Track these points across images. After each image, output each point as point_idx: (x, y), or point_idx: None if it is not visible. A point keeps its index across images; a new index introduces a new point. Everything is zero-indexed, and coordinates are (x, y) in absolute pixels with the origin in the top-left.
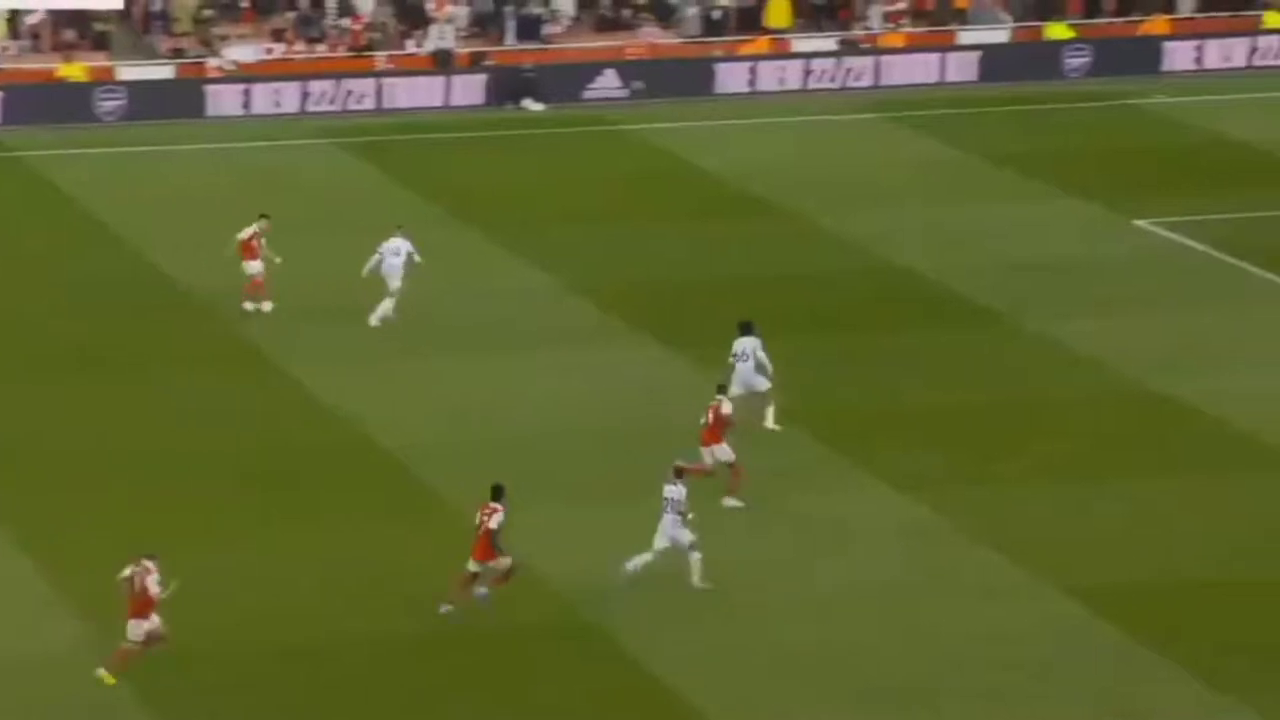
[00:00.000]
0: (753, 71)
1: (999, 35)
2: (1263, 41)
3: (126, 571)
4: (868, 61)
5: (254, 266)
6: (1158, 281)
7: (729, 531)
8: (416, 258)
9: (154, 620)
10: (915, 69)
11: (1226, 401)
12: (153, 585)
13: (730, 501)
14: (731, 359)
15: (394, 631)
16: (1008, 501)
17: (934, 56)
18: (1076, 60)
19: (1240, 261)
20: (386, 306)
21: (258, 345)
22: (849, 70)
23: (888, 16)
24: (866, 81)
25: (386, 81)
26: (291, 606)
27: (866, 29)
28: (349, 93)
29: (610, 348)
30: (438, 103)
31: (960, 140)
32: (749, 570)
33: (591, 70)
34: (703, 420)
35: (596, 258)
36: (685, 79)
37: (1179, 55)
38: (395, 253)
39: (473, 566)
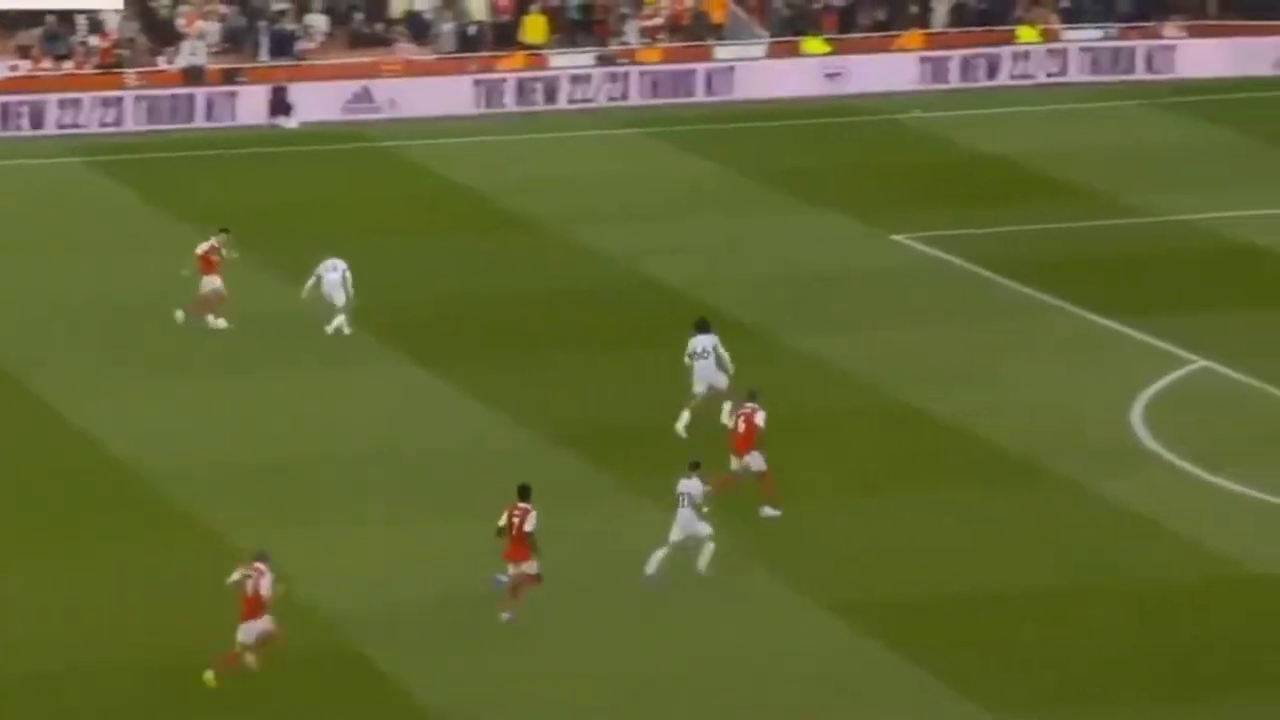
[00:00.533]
0: (510, 88)
1: (755, 50)
2: (1015, 57)
3: (237, 575)
4: (625, 76)
5: (212, 282)
6: (916, 296)
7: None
8: (349, 275)
9: (266, 621)
10: (672, 84)
11: (984, 415)
12: (265, 587)
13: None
14: (689, 359)
15: (143, 660)
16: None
17: (691, 71)
18: (833, 74)
19: (996, 275)
20: (340, 322)
21: (4, 368)
22: (606, 85)
23: (644, 31)
24: (625, 97)
25: (135, 98)
26: (37, 634)
27: (624, 44)
28: (97, 110)
29: (371, 368)
30: (190, 120)
31: (721, 155)
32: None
33: (346, 87)
34: (731, 427)
35: (355, 276)
36: (440, 95)
37: (933, 72)
38: (332, 269)
39: (512, 570)
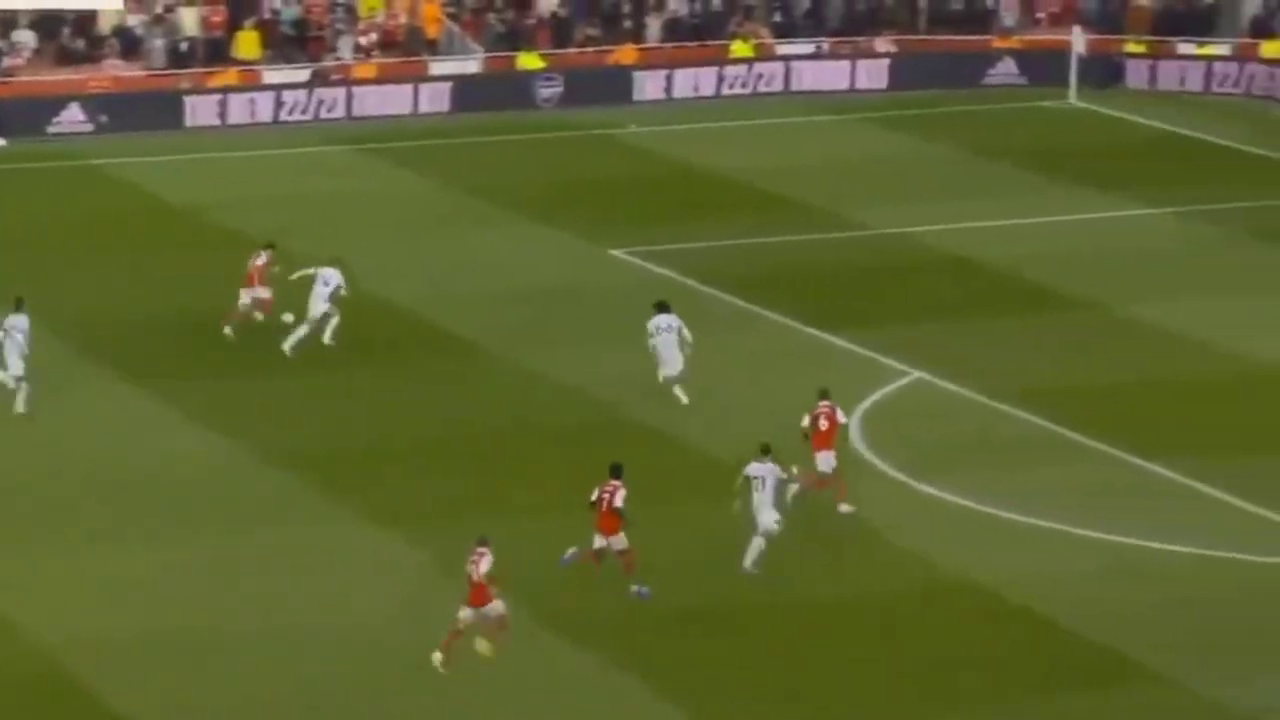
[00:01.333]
0: (223, 104)
1: (470, 66)
2: (730, 71)
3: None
4: (339, 93)
5: (252, 292)
6: (634, 311)
7: (216, 572)
8: (343, 291)
9: (498, 605)
10: (388, 100)
11: (704, 428)
12: (483, 566)
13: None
14: (651, 338)
15: None
16: (499, 536)
17: (406, 87)
18: (548, 90)
19: (713, 290)
20: (301, 333)
21: None
22: (321, 102)
23: (358, 47)
24: (339, 113)
25: None
26: None
27: (338, 59)
28: None
29: (82, 387)
30: None
31: (435, 171)
32: (240, 610)
33: (55, 104)
34: (806, 425)
35: (63, 295)
36: (152, 112)
37: (649, 85)
38: (325, 282)
39: (598, 542)
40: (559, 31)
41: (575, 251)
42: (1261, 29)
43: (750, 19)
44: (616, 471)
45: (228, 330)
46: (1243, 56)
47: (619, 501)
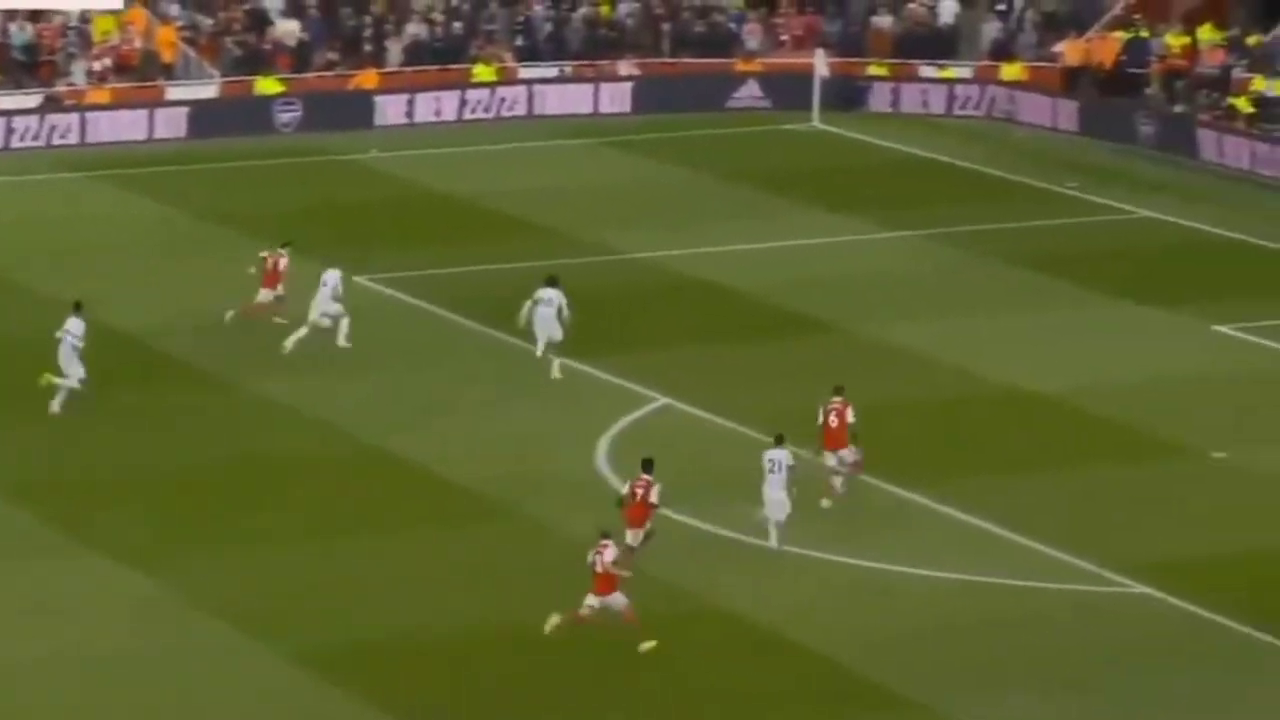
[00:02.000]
0: None
1: (208, 90)
2: (472, 95)
3: (591, 556)
4: (73, 118)
5: (271, 293)
6: (380, 338)
7: None
8: (340, 290)
9: (620, 597)
10: (123, 126)
11: (450, 456)
12: (608, 556)
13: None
14: (530, 304)
15: None
16: (238, 566)
17: (142, 113)
18: (288, 115)
19: (457, 316)
20: (302, 334)
21: None
22: (53, 128)
23: (92, 72)
24: (73, 139)
25: None
26: None
27: (71, 85)
28: None
29: None
30: None
31: (172, 198)
32: None
33: None
34: (820, 422)
35: None
36: None
37: (390, 109)
38: (324, 283)
39: (630, 539)
40: (298, 55)
41: (316, 279)
42: (1001, 51)
43: (492, 42)
44: (648, 466)
45: (229, 315)
46: (983, 79)
47: (654, 497)
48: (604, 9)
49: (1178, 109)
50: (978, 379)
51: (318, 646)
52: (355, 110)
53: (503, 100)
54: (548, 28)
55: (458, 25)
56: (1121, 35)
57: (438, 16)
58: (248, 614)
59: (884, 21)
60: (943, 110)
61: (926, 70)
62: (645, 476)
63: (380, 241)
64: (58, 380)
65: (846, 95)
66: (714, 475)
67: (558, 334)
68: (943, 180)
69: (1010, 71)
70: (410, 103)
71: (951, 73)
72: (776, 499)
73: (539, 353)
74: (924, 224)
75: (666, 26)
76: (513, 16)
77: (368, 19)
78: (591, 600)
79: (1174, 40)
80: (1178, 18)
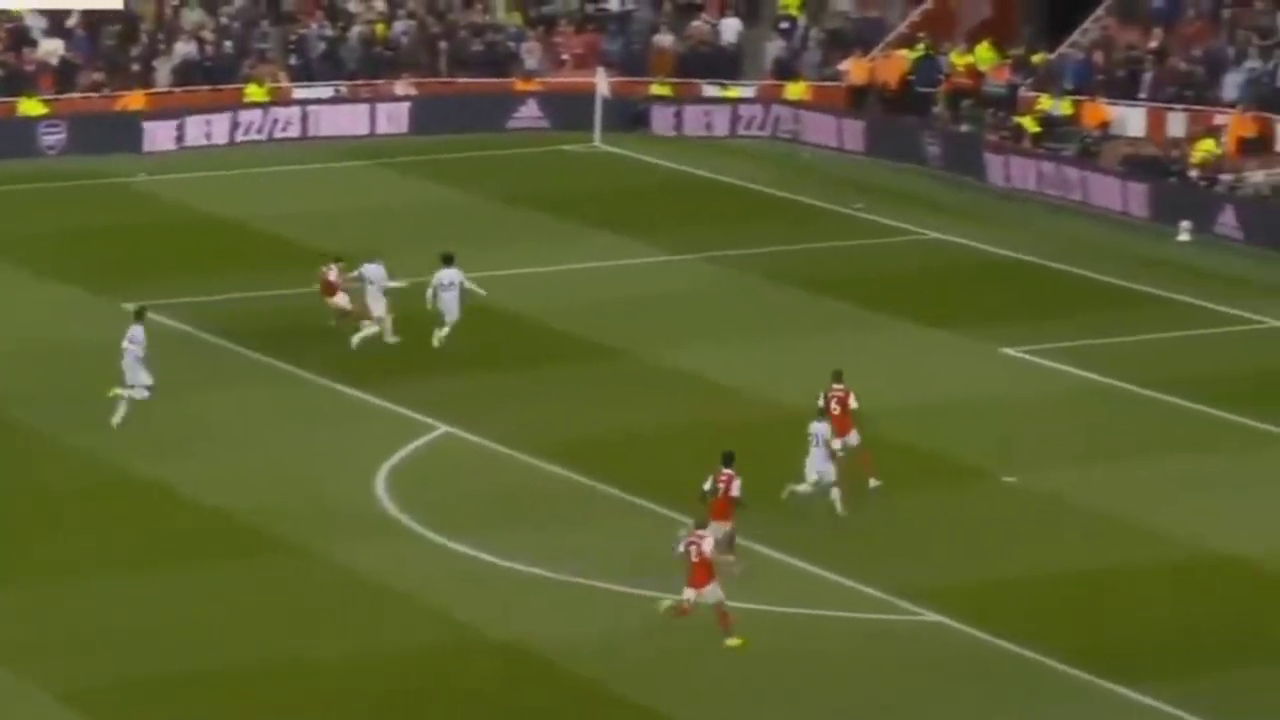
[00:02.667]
0: None
1: None
2: (245, 116)
3: (680, 548)
4: None
5: (340, 300)
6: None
7: None
8: (390, 282)
9: (714, 589)
10: None
11: (225, 486)
12: (706, 547)
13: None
14: (433, 291)
15: None
16: (8, 604)
17: None
18: (52, 138)
19: (232, 344)
20: (369, 331)
21: None
22: None
23: None
24: None
25: None
26: None
27: None
28: None
29: None
30: None
31: None
32: None
33: None
34: (820, 405)
35: None
36: None
37: (160, 133)
38: (370, 280)
39: (714, 533)
40: (62, 76)
41: (83, 306)
42: (785, 71)
43: (265, 62)
44: (729, 460)
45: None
46: (767, 99)
47: (735, 491)
48: (379, 28)
49: (964, 128)
50: (767, 403)
51: (88, 686)
52: (122, 132)
53: (276, 121)
54: (322, 46)
55: (229, 44)
56: (907, 54)
57: (208, 35)
58: (16, 652)
59: (666, 40)
60: (727, 131)
61: (710, 90)
62: (727, 471)
63: (149, 267)
64: (122, 391)
65: (629, 115)
66: (495, 504)
67: (456, 315)
68: (728, 202)
69: (795, 91)
70: (180, 125)
71: (735, 92)
72: (823, 470)
73: (441, 337)
74: (710, 246)
75: (444, 45)
76: (286, 35)
77: (137, 37)
78: (689, 594)
79: (959, 59)
80: (963, 36)
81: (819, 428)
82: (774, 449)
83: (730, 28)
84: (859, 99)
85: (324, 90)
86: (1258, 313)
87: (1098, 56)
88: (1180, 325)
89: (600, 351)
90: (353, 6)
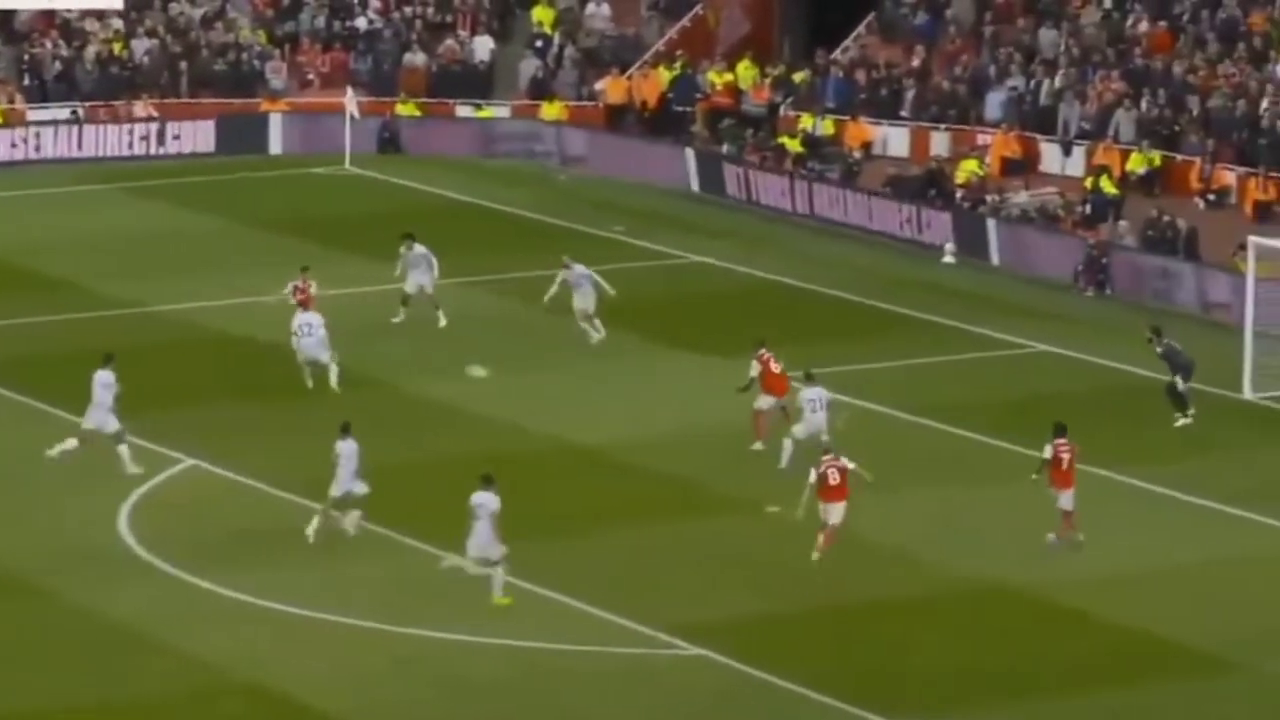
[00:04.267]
0: None
1: None
2: None
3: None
4: None
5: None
6: None
7: None
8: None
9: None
10: None
11: None
12: (846, 461)
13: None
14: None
15: None
16: None
17: None
18: None
19: None
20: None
21: None
22: None
23: None
24: None
25: None
26: None
27: None
28: None
29: None
30: None
31: None
32: None
33: None
34: (757, 375)
35: None
36: None
37: None
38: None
39: (1065, 503)
40: None
41: None
42: (540, 90)
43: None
44: (1062, 430)
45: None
46: (523, 118)
47: (1067, 460)
48: (117, 46)
49: (724, 148)
50: (522, 432)
51: None
52: None
53: (9, 144)
54: (57, 66)
55: None
56: (664, 72)
57: None
58: None
59: (417, 59)
60: (481, 151)
61: (463, 110)
62: (1063, 440)
63: None
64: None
65: (379, 137)
66: (243, 540)
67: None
68: (484, 226)
69: (551, 111)
70: None
71: (489, 113)
72: (819, 427)
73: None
74: (466, 272)
75: (184, 65)
76: (18, 54)
77: None
78: (828, 514)
79: (717, 77)
80: (722, 54)
81: (812, 393)
82: (527, 481)
83: (483, 46)
84: (617, 119)
85: (59, 112)
86: (1023, 336)
87: (859, 75)
88: (945, 349)
89: (356, 380)
90: (88, 25)
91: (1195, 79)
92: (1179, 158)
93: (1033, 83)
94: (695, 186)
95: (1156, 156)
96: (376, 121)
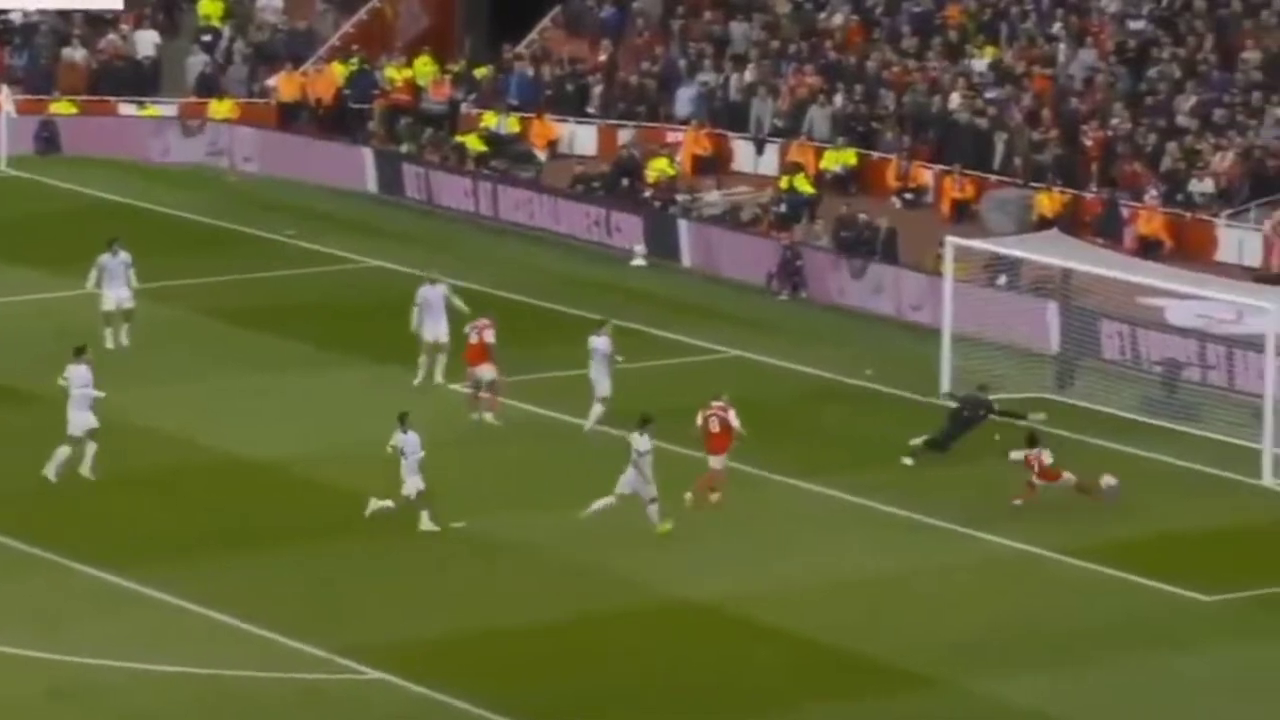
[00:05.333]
0: None
1: None
2: None
3: (700, 419)
4: None
5: None
6: None
7: None
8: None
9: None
10: None
11: None
12: (733, 419)
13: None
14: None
15: None
16: None
17: None
18: None
19: None
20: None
21: None
22: None
23: None
24: None
25: None
26: None
27: None
28: None
29: None
30: None
31: None
32: None
33: None
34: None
35: None
36: None
37: None
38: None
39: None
40: None
41: None
42: (209, 87)
43: None
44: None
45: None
46: (190, 117)
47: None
48: None
49: (403, 148)
50: (196, 447)
51: None
52: None
53: None
54: None
55: None
56: (340, 68)
57: None
58: None
59: (76, 54)
60: (145, 152)
61: (126, 108)
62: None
63: None
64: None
65: (38, 136)
66: None
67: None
68: (150, 230)
69: (220, 109)
70: None
71: (154, 110)
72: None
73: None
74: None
75: None
76: None
77: None
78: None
79: (395, 73)
80: (400, 49)
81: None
82: (198, 499)
83: (146, 40)
84: (290, 116)
85: None
86: (716, 341)
87: (544, 71)
88: (638, 356)
89: (9, 395)
90: None
91: (890, 74)
92: (875, 155)
93: (723, 77)
94: (373, 188)
95: (852, 154)
96: (34, 121)
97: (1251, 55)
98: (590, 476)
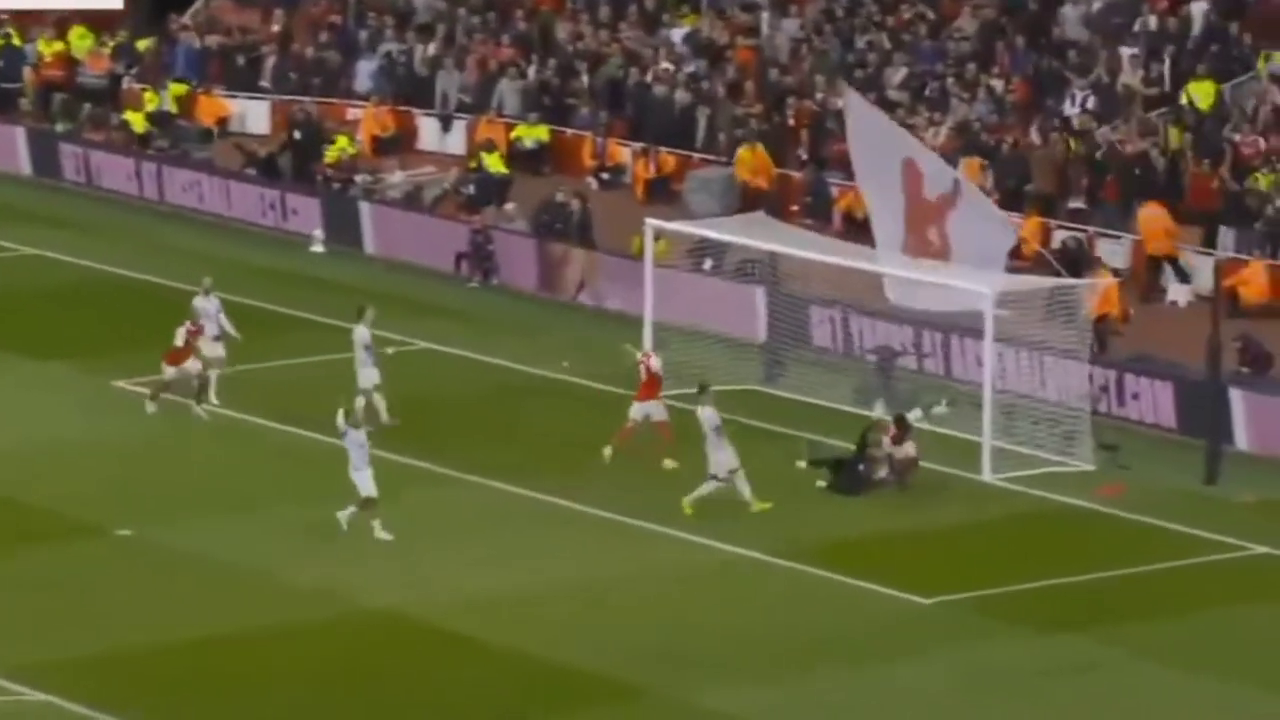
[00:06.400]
0: None
1: None
2: None
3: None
4: None
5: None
6: None
7: None
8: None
9: (657, 406)
10: None
11: None
12: (655, 366)
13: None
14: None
15: None
16: None
17: None
18: None
19: None
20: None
21: None
22: None
23: None
24: None
25: None
26: None
27: None
28: None
29: None
30: None
31: None
32: None
33: None
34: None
35: None
36: None
37: None
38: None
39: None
40: None
41: None
42: None
43: None
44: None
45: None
46: None
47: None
48: None
49: (58, 127)
50: None
51: None
52: None
53: None
54: None
55: None
56: None
57: None
58: None
59: None
60: None
61: None
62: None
63: None
64: None
65: None
66: None
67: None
68: None
69: None
70: None
71: None
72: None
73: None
74: None
75: None
76: None
77: None
78: (635, 412)
79: (48, 46)
80: (53, 21)
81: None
82: None
83: None
84: None
85: None
86: (402, 332)
87: (212, 42)
88: (315, 350)
89: None
90: None
91: (585, 45)
92: (569, 132)
93: (407, 48)
94: (28, 170)
95: (544, 130)
96: None
97: (965, 24)
98: (274, 478)
